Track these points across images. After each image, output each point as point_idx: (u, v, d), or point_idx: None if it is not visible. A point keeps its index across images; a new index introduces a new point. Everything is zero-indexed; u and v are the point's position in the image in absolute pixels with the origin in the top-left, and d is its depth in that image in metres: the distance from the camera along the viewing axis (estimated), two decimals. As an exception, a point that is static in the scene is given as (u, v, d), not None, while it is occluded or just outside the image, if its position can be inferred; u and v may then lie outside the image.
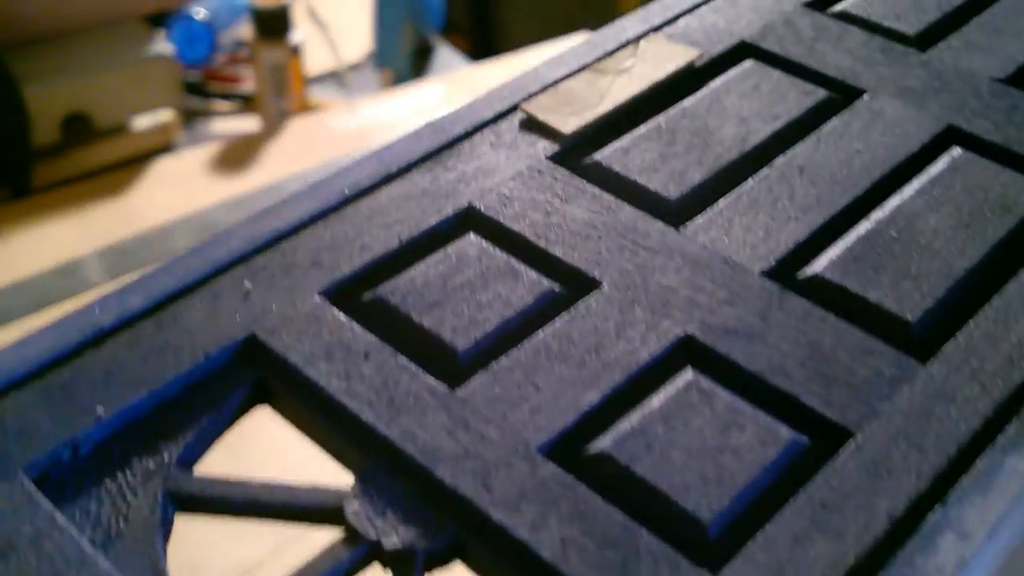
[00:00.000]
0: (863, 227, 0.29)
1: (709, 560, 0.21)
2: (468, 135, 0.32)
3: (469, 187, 0.30)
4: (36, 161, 0.72)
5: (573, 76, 0.34)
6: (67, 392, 0.25)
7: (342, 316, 0.26)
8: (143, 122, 0.77)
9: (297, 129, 0.80)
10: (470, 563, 0.22)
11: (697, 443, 0.23)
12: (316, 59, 0.89)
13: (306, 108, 0.83)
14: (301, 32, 0.81)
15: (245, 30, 0.86)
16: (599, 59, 0.35)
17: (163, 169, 0.76)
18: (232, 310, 0.27)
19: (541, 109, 0.33)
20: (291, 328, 0.26)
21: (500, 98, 0.34)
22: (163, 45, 0.77)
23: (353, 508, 0.23)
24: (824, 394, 0.24)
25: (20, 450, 0.23)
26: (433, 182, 0.30)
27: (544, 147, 0.32)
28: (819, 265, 0.28)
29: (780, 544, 0.21)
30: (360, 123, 0.81)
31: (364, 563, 0.23)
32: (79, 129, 0.74)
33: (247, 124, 0.83)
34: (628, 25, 0.37)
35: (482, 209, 0.29)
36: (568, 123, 0.32)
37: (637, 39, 0.36)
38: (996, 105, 0.32)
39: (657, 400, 0.24)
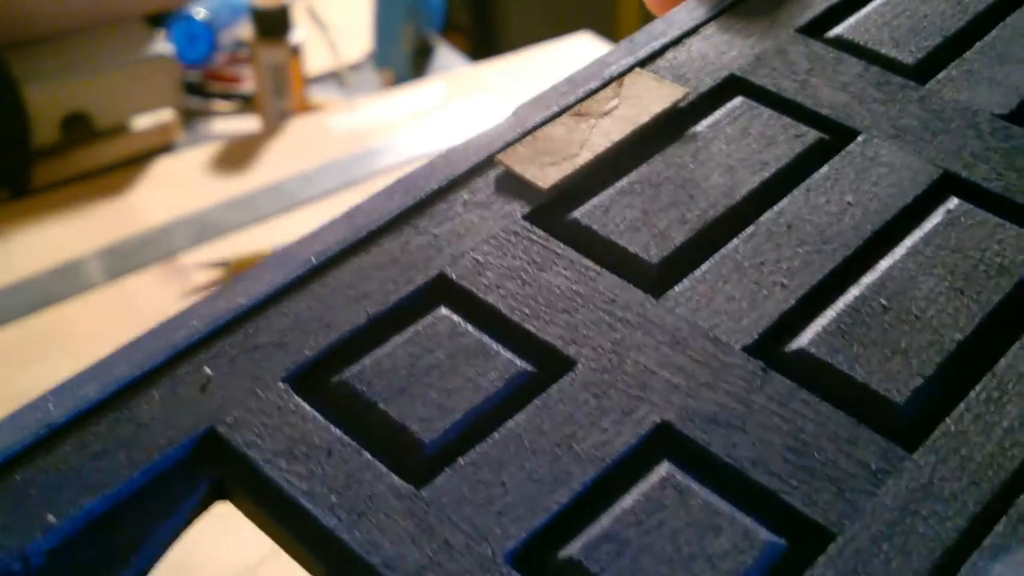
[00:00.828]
0: (852, 294, 0.28)
1: None
2: (441, 193, 0.31)
3: (441, 253, 0.29)
4: (36, 161, 0.72)
5: (552, 121, 0.32)
6: (17, 498, 0.23)
7: (306, 406, 0.25)
8: (143, 122, 0.77)
9: (297, 129, 0.80)
10: None
11: (671, 549, 0.22)
12: (316, 59, 0.89)
13: (306, 108, 0.83)
14: (301, 32, 0.81)
15: (245, 30, 0.86)
16: (580, 99, 0.33)
17: (163, 169, 0.76)
18: (191, 401, 0.25)
19: (518, 161, 0.31)
20: (252, 421, 0.25)
21: (476, 148, 0.32)
22: (163, 45, 0.77)
23: None
24: (806, 490, 0.23)
25: None
26: (404, 248, 0.29)
27: (520, 205, 0.30)
28: (805, 339, 0.26)
29: None
30: (360, 123, 0.81)
31: None
32: (79, 129, 0.74)
33: (247, 124, 0.83)
34: (612, 59, 0.35)
35: (454, 278, 0.28)
36: (546, 177, 0.31)
37: (621, 75, 0.34)
38: (997, 147, 0.31)
39: (631, 499, 0.23)
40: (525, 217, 0.29)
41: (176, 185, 0.74)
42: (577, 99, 0.33)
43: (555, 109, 0.32)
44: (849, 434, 0.24)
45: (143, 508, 0.24)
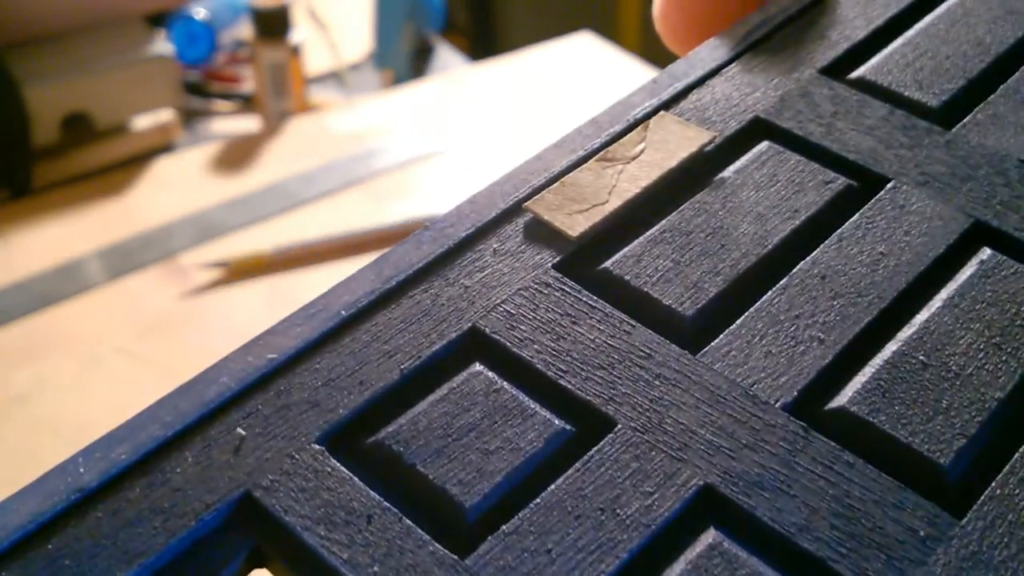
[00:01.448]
0: (890, 350, 0.28)
1: None
2: (470, 241, 0.30)
3: (473, 305, 0.29)
4: (36, 161, 0.72)
5: (579, 167, 0.32)
6: (52, 569, 0.23)
7: (342, 469, 0.25)
8: (143, 122, 0.77)
9: (297, 129, 0.81)
10: None
11: None
12: (316, 59, 0.90)
13: (306, 108, 0.83)
14: (301, 32, 0.81)
15: (245, 30, 0.86)
16: (606, 143, 0.33)
17: (163, 169, 0.76)
18: (225, 463, 0.25)
19: (547, 208, 0.31)
20: (288, 485, 0.25)
21: (503, 194, 0.31)
22: (163, 45, 0.77)
23: None
24: (855, 559, 0.23)
25: None
26: (435, 300, 0.29)
27: (551, 254, 0.30)
28: (845, 397, 0.26)
29: None
30: (360, 123, 0.82)
31: None
32: (79, 129, 0.74)
33: (247, 124, 0.83)
34: (636, 101, 0.35)
35: (487, 332, 0.28)
36: (575, 225, 0.31)
37: (646, 118, 0.35)
38: None
39: (678, 568, 0.23)
40: (555, 267, 0.29)
41: (176, 185, 0.74)
42: (602, 143, 0.33)
43: (581, 153, 0.32)
44: (895, 499, 0.24)
45: None
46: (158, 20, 0.82)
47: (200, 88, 0.86)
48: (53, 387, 0.56)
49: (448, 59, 0.95)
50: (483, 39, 1.50)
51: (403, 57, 0.91)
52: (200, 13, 0.82)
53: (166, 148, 0.78)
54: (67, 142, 0.74)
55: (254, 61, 0.79)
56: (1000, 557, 0.23)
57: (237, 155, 0.77)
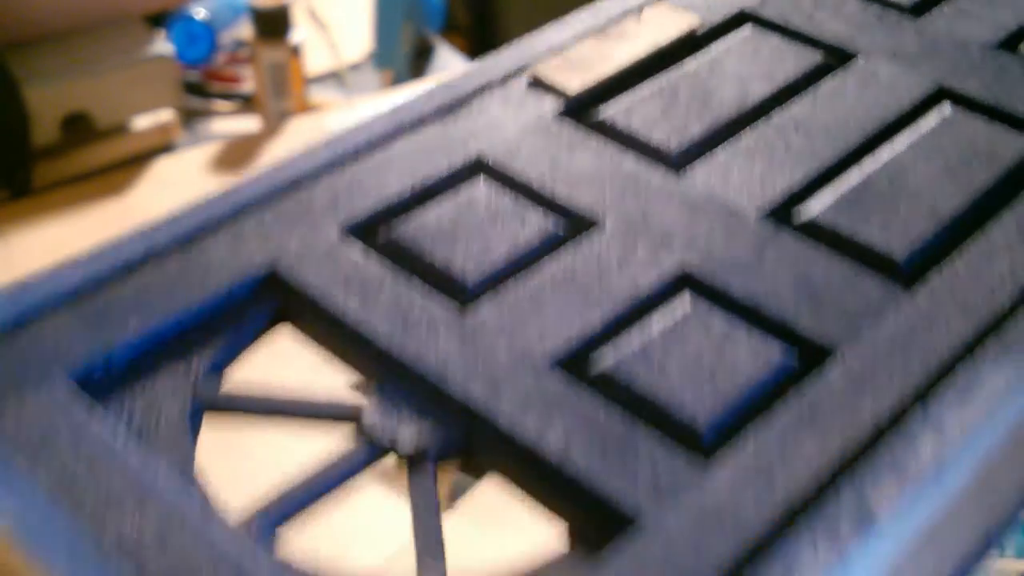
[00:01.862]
0: (855, 175, 0.31)
1: (703, 456, 0.23)
2: (478, 93, 0.34)
3: (478, 140, 0.32)
4: (36, 161, 0.72)
5: (579, 41, 0.36)
6: (100, 315, 0.27)
7: (358, 252, 0.29)
8: (143, 122, 0.77)
9: (297, 129, 0.80)
10: (480, 464, 0.24)
11: (693, 359, 0.25)
12: (316, 59, 0.90)
13: (306, 108, 0.83)
14: (301, 32, 0.81)
15: (245, 30, 0.86)
16: (604, 25, 0.37)
17: (163, 169, 0.76)
18: (254, 248, 0.29)
19: (549, 71, 0.34)
20: (310, 263, 0.28)
21: (509, 60, 0.36)
22: (163, 45, 0.77)
23: (369, 417, 0.25)
24: (814, 317, 0.26)
25: (59, 362, 0.25)
26: (444, 135, 0.32)
27: (551, 105, 0.33)
28: (812, 209, 0.30)
29: (771, 442, 0.22)
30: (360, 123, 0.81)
31: (379, 458, 0.25)
32: (79, 129, 0.74)
33: (247, 124, 0.83)
34: None
35: (491, 159, 0.31)
36: (574, 83, 0.34)
37: (640, 7, 0.38)
38: (986, 67, 0.34)
39: (657, 321, 0.26)
40: (555, 114, 0.33)
41: (176, 185, 0.74)
42: (601, 24, 0.37)
43: (581, 29, 0.36)
44: (853, 278, 0.27)
45: (215, 327, 0.27)
46: (158, 20, 0.82)
47: (200, 88, 0.86)
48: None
49: (448, 59, 0.95)
50: (483, 39, 1.50)
51: (403, 57, 0.91)
52: (200, 13, 0.82)
53: (166, 148, 0.78)
54: (67, 142, 0.74)
55: (254, 61, 0.79)
56: (946, 320, 0.26)
57: (237, 155, 0.77)
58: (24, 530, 0.21)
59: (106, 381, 0.26)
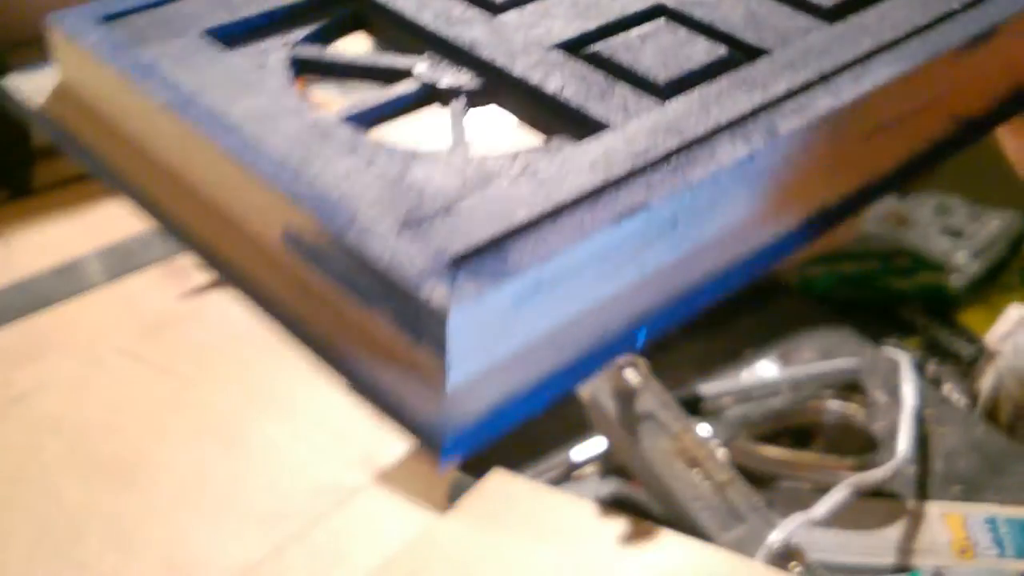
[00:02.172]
0: None
1: (662, 99, 0.31)
2: None
3: None
4: (36, 161, 0.72)
5: None
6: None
7: None
8: (143, 122, 0.77)
9: (297, 129, 0.80)
10: (499, 101, 0.32)
11: (661, 49, 0.33)
12: (316, 59, 0.89)
13: (306, 108, 0.82)
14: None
15: (245, 30, 0.86)
16: None
17: (163, 169, 0.75)
18: None
19: None
20: None
21: None
22: (163, 45, 0.77)
23: (419, 68, 0.33)
24: (755, 33, 0.35)
25: (194, 24, 0.33)
26: None
27: None
28: None
29: (710, 94, 0.31)
30: (360, 123, 0.81)
31: (426, 99, 0.32)
32: (79, 129, 0.74)
33: (247, 124, 0.83)
34: None
35: None
36: None
37: None
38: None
39: (636, 31, 0.34)
40: None
41: (176, 185, 0.74)
42: None
43: None
44: (791, 13, 0.36)
45: (306, 18, 0.35)
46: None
47: (200, 88, 0.86)
48: (53, 387, 0.56)
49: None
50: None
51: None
52: (200, 13, 0.82)
53: (166, 148, 0.78)
54: (67, 142, 0.74)
55: (254, 61, 0.79)
56: (857, 39, 0.34)
57: (237, 155, 0.77)
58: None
59: (227, 40, 0.33)
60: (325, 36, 0.35)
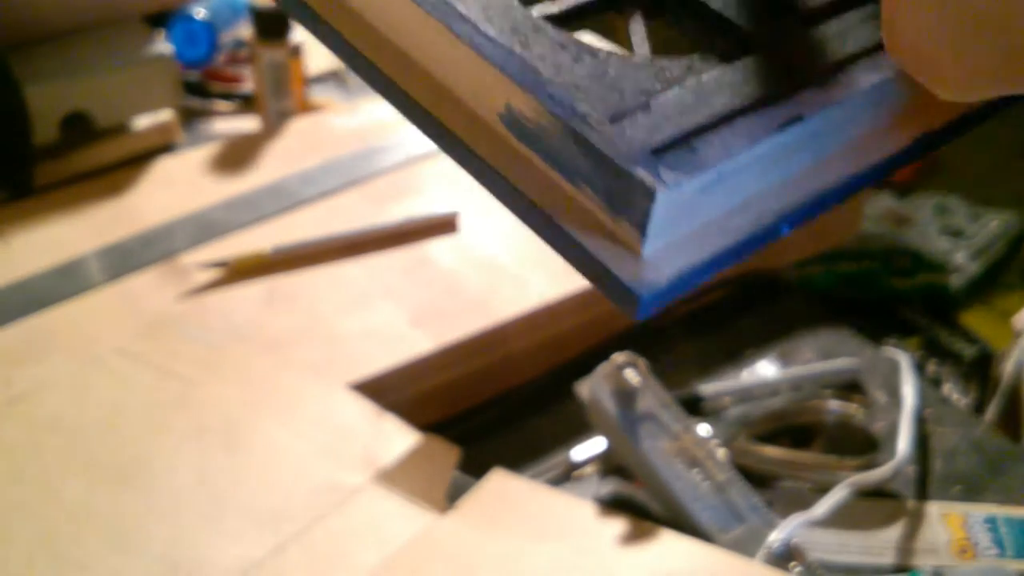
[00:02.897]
0: None
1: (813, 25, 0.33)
2: None
3: None
4: (36, 161, 0.72)
5: None
6: None
7: None
8: (143, 122, 0.77)
9: (297, 129, 0.80)
10: (668, 16, 0.34)
11: None
12: (316, 59, 0.89)
13: (306, 108, 0.83)
14: (301, 32, 0.81)
15: (245, 30, 0.86)
16: None
17: (163, 169, 0.76)
18: None
19: None
20: None
21: None
22: (163, 45, 0.77)
23: None
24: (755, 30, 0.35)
25: None
26: None
27: None
28: None
29: (845, 25, 0.33)
30: (360, 123, 0.81)
31: (605, 6, 0.34)
32: (79, 129, 0.74)
33: (247, 124, 0.83)
34: None
35: None
36: None
37: None
38: None
39: None
40: None
41: (176, 185, 0.74)
42: None
43: None
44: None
45: None
46: (158, 20, 0.82)
47: (200, 88, 0.86)
48: (53, 387, 0.56)
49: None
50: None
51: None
52: (200, 13, 0.82)
53: (166, 148, 0.78)
54: (67, 142, 0.74)
55: (254, 61, 0.79)
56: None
57: (237, 155, 0.77)
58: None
59: None
60: None
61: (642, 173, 0.28)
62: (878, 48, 0.33)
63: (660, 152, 0.29)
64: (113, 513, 0.49)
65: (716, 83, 0.32)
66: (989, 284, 0.72)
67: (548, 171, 0.30)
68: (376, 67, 0.34)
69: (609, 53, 0.33)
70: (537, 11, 0.34)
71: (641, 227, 0.28)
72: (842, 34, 0.34)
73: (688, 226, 0.29)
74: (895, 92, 0.34)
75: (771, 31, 0.34)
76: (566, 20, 0.36)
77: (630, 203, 0.28)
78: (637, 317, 0.28)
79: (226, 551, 0.48)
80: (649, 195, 0.28)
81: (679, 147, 0.29)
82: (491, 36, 0.32)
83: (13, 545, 0.48)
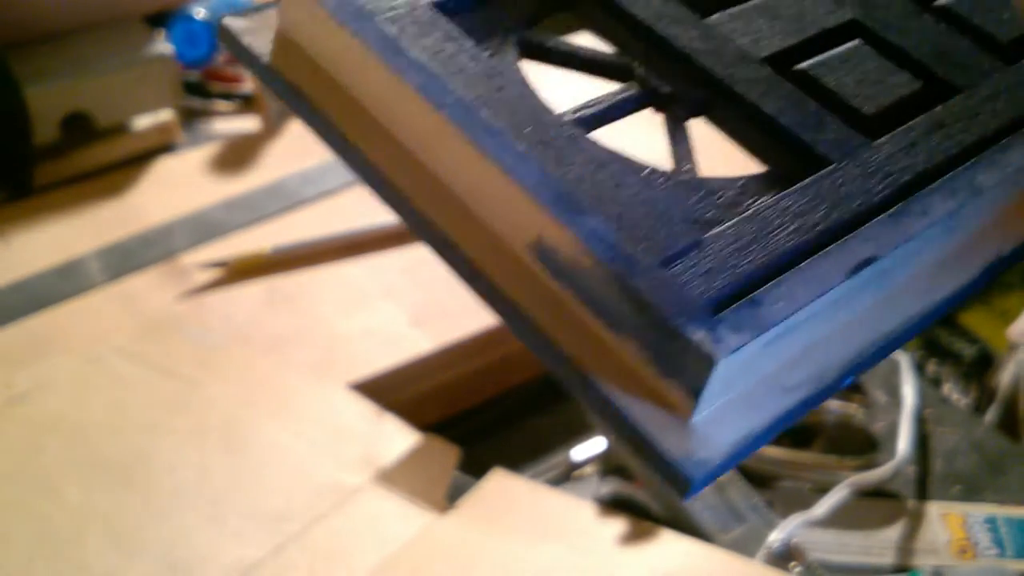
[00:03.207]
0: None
1: (870, 137, 0.32)
2: None
3: None
4: (36, 161, 0.72)
5: None
6: None
7: None
8: (143, 122, 0.77)
9: (297, 129, 0.80)
10: (713, 116, 0.33)
11: (865, 74, 0.34)
12: (316, 59, 0.89)
13: (306, 108, 0.83)
14: (301, 32, 0.81)
15: (245, 30, 0.86)
16: None
17: (163, 169, 0.76)
18: None
19: None
20: None
21: None
22: (163, 45, 0.77)
23: (639, 70, 0.34)
24: (944, 68, 0.36)
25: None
26: None
27: None
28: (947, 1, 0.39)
29: (915, 133, 0.33)
30: (360, 123, 0.81)
31: (644, 102, 0.34)
32: (79, 129, 0.74)
33: (247, 124, 0.83)
34: None
35: None
36: None
37: None
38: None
39: (837, 52, 0.35)
40: None
41: (176, 185, 0.74)
42: None
43: None
44: (973, 51, 0.37)
45: (519, 4, 0.36)
46: (158, 20, 0.81)
47: (200, 88, 0.86)
48: (53, 387, 0.56)
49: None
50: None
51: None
52: (200, 13, 0.82)
53: (166, 148, 0.78)
54: (67, 142, 0.74)
55: (254, 61, 0.79)
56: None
57: (237, 155, 0.77)
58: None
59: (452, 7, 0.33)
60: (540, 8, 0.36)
61: (701, 336, 0.23)
62: (950, 163, 0.31)
63: (719, 307, 0.25)
64: (113, 513, 0.49)
65: (775, 212, 0.28)
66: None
67: (584, 315, 0.26)
68: (379, 168, 0.30)
69: (652, 170, 0.29)
70: (571, 115, 0.31)
71: (695, 393, 0.24)
72: (910, 147, 0.31)
73: (744, 385, 0.25)
74: (971, 217, 0.30)
75: (835, 145, 0.31)
76: (602, 121, 0.32)
77: (683, 367, 0.24)
78: (685, 499, 0.24)
79: (226, 551, 0.48)
80: (709, 362, 0.23)
81: (740, 300, 0.25)
82: (520, 152, 0.27)
83: (13, 545, 0.48)
